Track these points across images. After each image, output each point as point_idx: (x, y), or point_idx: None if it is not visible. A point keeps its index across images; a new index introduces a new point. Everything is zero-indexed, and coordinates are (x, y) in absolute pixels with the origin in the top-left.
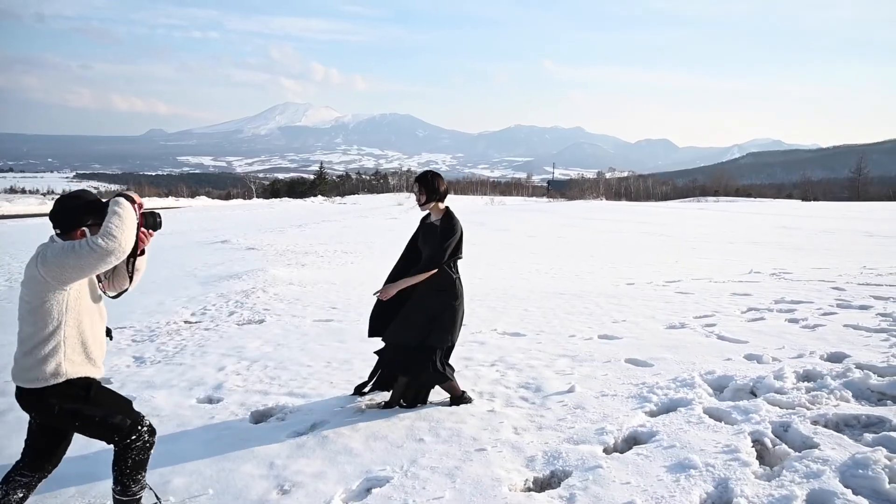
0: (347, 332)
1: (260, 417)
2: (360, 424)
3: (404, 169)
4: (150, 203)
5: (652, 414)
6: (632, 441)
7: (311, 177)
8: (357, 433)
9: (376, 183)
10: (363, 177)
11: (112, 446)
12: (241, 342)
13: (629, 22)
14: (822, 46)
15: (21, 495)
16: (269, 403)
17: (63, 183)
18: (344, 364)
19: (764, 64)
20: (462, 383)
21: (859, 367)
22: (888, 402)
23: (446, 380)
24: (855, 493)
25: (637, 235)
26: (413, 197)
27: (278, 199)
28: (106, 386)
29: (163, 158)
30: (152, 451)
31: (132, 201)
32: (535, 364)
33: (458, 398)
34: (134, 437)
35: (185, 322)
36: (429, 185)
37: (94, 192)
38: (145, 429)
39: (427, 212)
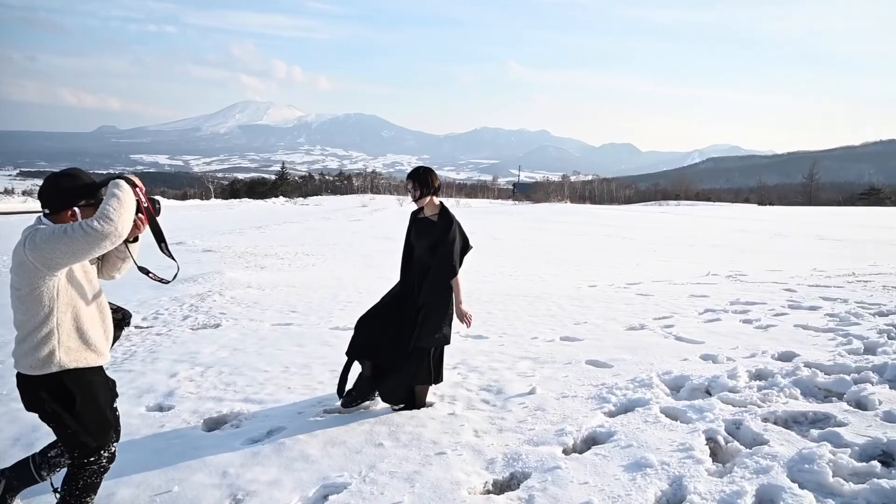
0: (307, 336)
1: (213, 425)
2: (318, 430)
3: (369, 170)
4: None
5: (611, 414)
6: (590, 441)
7: (273, 177)
8: (315, 439)
9: (340, 184)
10: (327, 178)
11: (69, 460)
12: (195, 347)
13: (593, 27)
14: (776, 56)
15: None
16: (224, 410)
17: (6, 181)
18: (303, 369)
19: (722, 72)
20: None
21: (808, 365)
22: (833, 398)
23: (432, 383)
24: (801, 486)
25: (600, 238)
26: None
27: (238, 200)
28: (97, 398)
29: (115, 156)
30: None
31: (133, 185)
32: (497, 366)
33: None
34: (92, 460)
35: (136, 327)
36: (423, 180)
37: None
38: (106, 455)
39: (418, 207)
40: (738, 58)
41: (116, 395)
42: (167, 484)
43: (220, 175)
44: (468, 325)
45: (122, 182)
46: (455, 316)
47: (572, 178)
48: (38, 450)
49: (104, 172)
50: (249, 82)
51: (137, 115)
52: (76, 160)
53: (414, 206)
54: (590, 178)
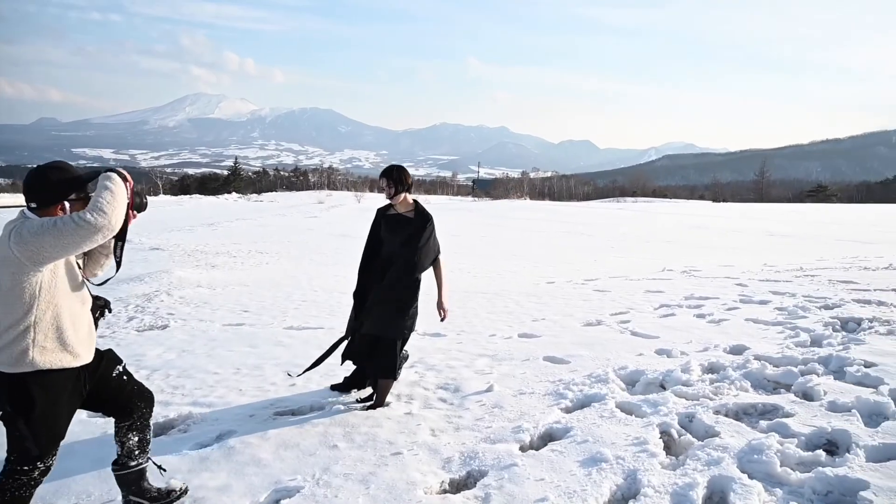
0: (259, 337)
1: (160, 430)
2: (270, 433)
3: (325, 165)
4: None
5: (567, 410)
6: (547, 438)
7: (225, 172)
8: (266, 442)
9: (296, 180)
10: (282, 173)
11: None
12: (140, 350)
13: (552, 25)
14: (729, 58)
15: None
16: (171, 415)
17: None
18: (255, 370)
19: (677, 71)
20: None
21: (757, 358)
22: (782, 390)
23: (395, 377)
24: (750, 477)
25: (559, 235)
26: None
27: (188, 196)
28: (58, 406)
29: (55, 150)
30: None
31: (124, 179)
32: (454, 364)
33: (381, 403)
34: (26, 468)
35: None
36: (397, 178)
37: None
38: (41, 468)
39: (388, 203)
40: (692, 58)
41: (84, 397)
42: (108, 494)
43: (169, 170)
44: (443, 318)
45: (114, 175)
46: (437, 308)
47: (532, 175)
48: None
49: None
50: (200, 74)
51: (80, 107)
52: (13, 154)
53: (379, 204)
54: (549, 174)
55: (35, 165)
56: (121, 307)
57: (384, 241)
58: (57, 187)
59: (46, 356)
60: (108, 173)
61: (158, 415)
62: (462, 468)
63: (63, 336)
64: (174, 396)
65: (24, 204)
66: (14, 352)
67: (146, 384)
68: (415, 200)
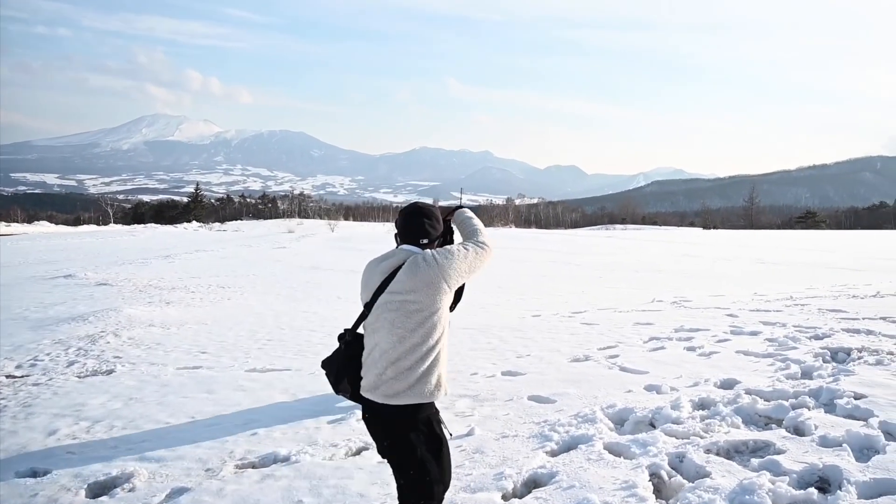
0: (218, 381)
1: (100, 490)
2: (227, 489)
3: (296, 192)
4: None
5: (553, 453)
6: (531, 484)
7: (185, 199)
8: (223, 500)
9: (263, 207)
10: (248, 200)
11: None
12: (81, 398)
13: (532, 48)
14: (716, 81)
15: None
16: (113, 472)
17: None
18: (212, 418)
19: (664, 95)
20: (347, 433)
21: (748, 392)
22: (773, 425)
23: None
24: None
25: (545, 265)
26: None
27: (142, 226)
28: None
29: None
30: None
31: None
32: None
33: None
34: None
35: (8, 377)
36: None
37: None
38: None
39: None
40: (678, 82)
41: None
42: None
43: (121, 197)
44: None
45: (467, 210)
46: None
47: (517, 202)
48: None
49: None
50: (159, 94)
51: (19, 127)
52: None
53: (356, 233)
54: (535, 201)
55: (412, 203)
56: (60, 350)
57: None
58: (439, 222)
59: (447, 384)
60: (463, 209)
61: (99, 472)
62: None
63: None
64: (118, 451)
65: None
66: (432, 381)
67: (86, 437)
68: None
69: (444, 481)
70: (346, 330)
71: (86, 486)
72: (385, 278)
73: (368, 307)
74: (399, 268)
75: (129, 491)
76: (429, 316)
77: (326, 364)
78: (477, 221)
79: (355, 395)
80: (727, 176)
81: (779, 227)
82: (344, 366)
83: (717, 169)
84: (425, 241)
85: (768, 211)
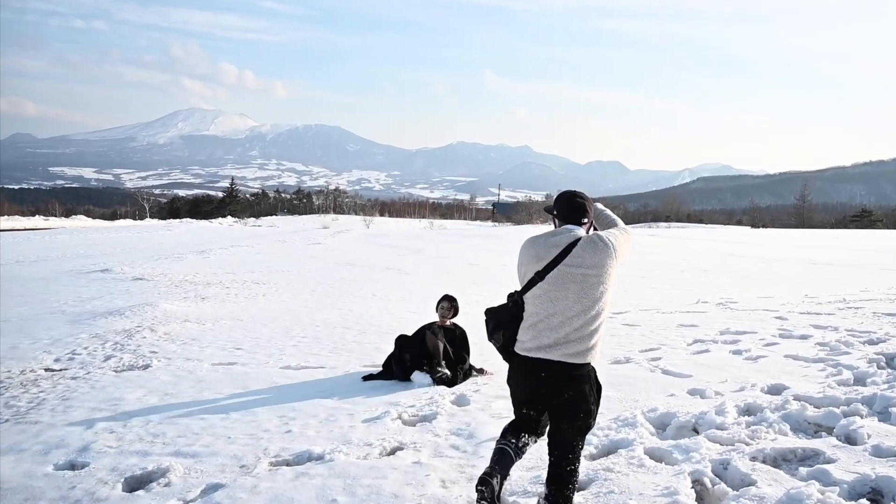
0: (253, 377)
1: (136, 484)
2: (261, 486)
3: (332, 187)
4: (9, 223)
5: (592, 457)
6: None
7: (220, 194)
8: (257, 497)
9: (298, 203)
10: (283, 195)
11: (571, 442)
12: (118, 393)
13: (570, 38)
14: (764, 75)
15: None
16: (150, 466)
17: None
18: (246, 415)
19: (709, 88)
20: (382, 432)
21: (797, 398)
22: (823, 433)
23: None
24: None
25: None
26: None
27: (178, 220)
28: None
29: (30, 169)
30: None
31: None
32: (469, 408)
33: None
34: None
35: (46, 370)
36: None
37: None
38: None
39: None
40: (724, 75)
41: None
42: None
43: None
44: None
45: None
46: None
47: None
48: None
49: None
50: (194, 87)
51: (58, 122)
52: None
53: (388, 227)
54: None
55: (570, 190)
56: (97, 344)
57: None
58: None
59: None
60: (596, 202)
61: (135, 466)
62: None
63: None
64: (154, 446)
65: (551, 218)
66: (599, 344)
67: (122, 431)
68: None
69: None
70: (514, 291)
71: (122, 480)
72: (560, 252)
73: (540, 276)
74: (572, 244)
75: (165, 486)
76: (605, 290)
77: (491, 313)
78: (610, 212)
79: (503, 348)
80: (777, 172)
81: (832, 226)
82: (507, 322)
83: (767, 165)
84: (585, 220)
85: (821, 209)
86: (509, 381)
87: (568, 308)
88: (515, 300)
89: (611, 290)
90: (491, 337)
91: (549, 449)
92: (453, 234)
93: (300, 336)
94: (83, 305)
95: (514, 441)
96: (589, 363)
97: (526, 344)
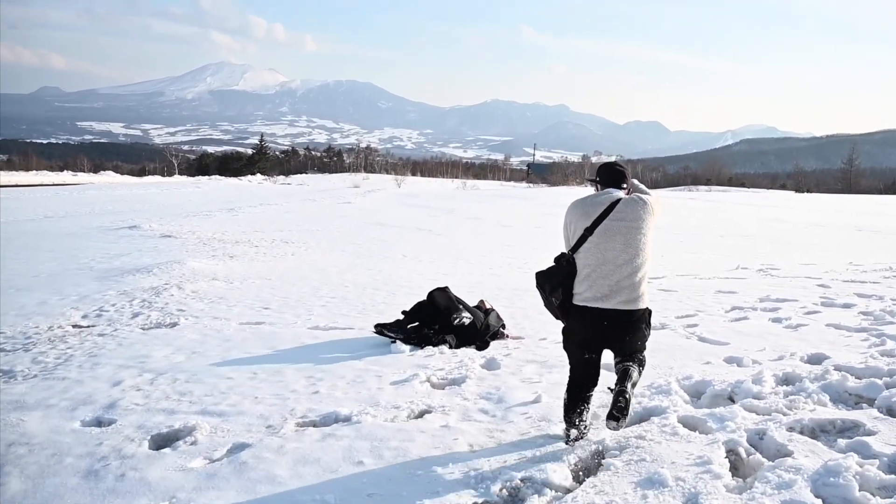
0: (280, 337)
1: (163, 442)
2: (288, 446)
3: (363, 145)
4: (38, 178)
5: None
6: (600, 455)
7: (249, 151)
8: (283, 457)
9: (329, 161)
10: (313, 153)
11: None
12: (145, 350)
13: None
14: (814, 29)
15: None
16: (176, 424)
17: None
18: (274, 375)
19: (755, 45)
20: (410, 395)
21: (838, 368)
22: (864, 405)
23: None
24: (825, 502)
25: None
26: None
27: (206, 177)
28: None
29: (58, 123)
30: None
31: None
32: (499, 372)
33: None
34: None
35: (74, 326)
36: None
37: None
38: None
39: None
40: (771, 31)
41: None
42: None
43: (186, 148)
44: None
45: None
46: None
47: (593, 159)
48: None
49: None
50: (223, 41)
51: (86, 75)
52: (11, 127)
53: (430, 188)
54: (613, 158)
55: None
56: (125, 301)
57: None
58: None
59: None
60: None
61: (162, 424)
62: (502, 489)
63: None
64: (181, 404)
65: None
66: (647, 288)
67: (149, 389)
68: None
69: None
70: (563, 253)
71: (149, 438)
72: (605, 209)
73: (590, 231)
74: (615, 202)
75: (192, 444)
76: (646, 241)
77: (545, 275)
78: (643, 185)
79: (561, 305)
80: (824, 135)
81: (880, 192)
82: (562, 281)
83: (814, 127)
84: (624, 185)
85: (869, 174)
86: (569, 332)
87: (616, 257)
88: (568, 259)
89: (650, 242)
90: (549, 297)
91: (617, 362)
92: (486, 195)
93: (329, 296)
94: (111, 262)
95: (580, 403)
96: (642, 308)
97: (583, 294)
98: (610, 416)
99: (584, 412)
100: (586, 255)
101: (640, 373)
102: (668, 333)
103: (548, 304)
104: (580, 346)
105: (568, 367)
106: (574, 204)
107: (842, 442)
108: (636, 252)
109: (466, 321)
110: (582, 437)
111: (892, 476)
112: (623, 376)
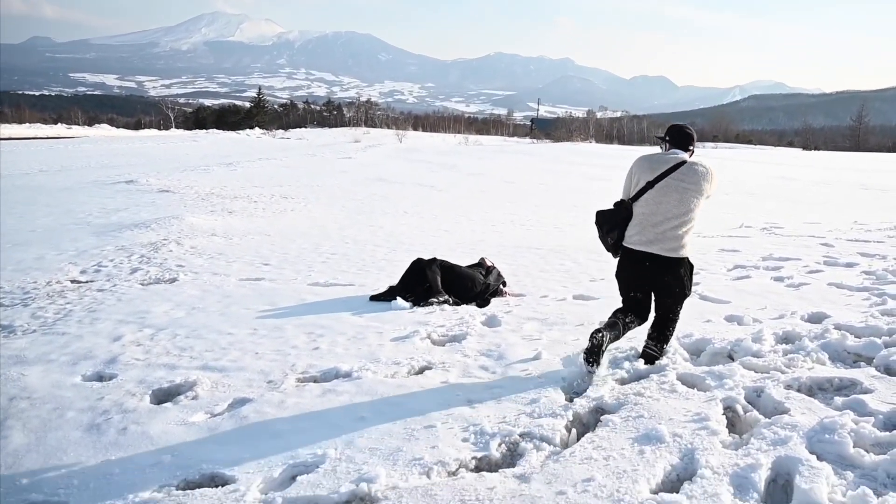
0: (280, 293)
1: (164, 397)
2: (288, 401)
3: (363, 99)
4: (32, 131)
5: (622, 381)
6: (598, 412)
7: (247, 104)
8: (284, 412)
9: (328, 115)
10: (312, 107)
11: (672, 307)
12: (144, 306)
13: None
14: None
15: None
16: (177, 379)
17: None
18: (274, 331)
19: (767, 0)
20: (410, 351)
21: (838, 327)
22: (862, 363)
23: None
24: (820, 458)
25: None
26: (371, 133)
27: (204, 131)
28: None
29: (50, 75)
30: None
31: None
32: (499, 329)
33: None
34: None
35: (73, 281)
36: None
37: None
38: None
39: None
40: None
41: None
42: (103, 466)
43: (182, 101)
44: None
45: None
46: None
47: (598, 115)
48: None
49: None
50: None
51: (78, 25)
52: (2, 78)
53: (429, 142)
54: (618, 114)
55: (679, 123)
56: (123, 257)
57: None
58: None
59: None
60: None
61: (163, 379)
62: (502, 444)
63: None
64: (181, 359)
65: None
66: (687, 244)
67: (150, 344)
68: None
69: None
70: (622, 199)
71: (150, 393)
72: (669, 168)
73: (651, 185)
74: (679, 164)
75: (193, 399)
76: (697, 204)
77: (605, 215)
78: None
79: (615, 244)
80: (834, 91)
81: (889, 150)
82: (618, 223)
83: (823, 83)
84: (691, 147)
85: (878, 131)
86: (619, 272)
87: (668, 211)
88: (626, 206)
89: (701, 206)
90: (606, 235)
91: (655, 310)
92: (489, 151)
93: (329, 253)
94: (108, 217)
95: (622, 317)
96: (683, 257)
97: (633, 238)
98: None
99: (613, 330)
100: (643, 205)
101: (671, 331)
102: None
103: (603, 241)
104: (625, 284)
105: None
106: (642, 158)
107: (838, 400)
108: (687, 210)
109: (449, 301)
110: (597, 346)
111: (887, 433)
112: (658, 329)
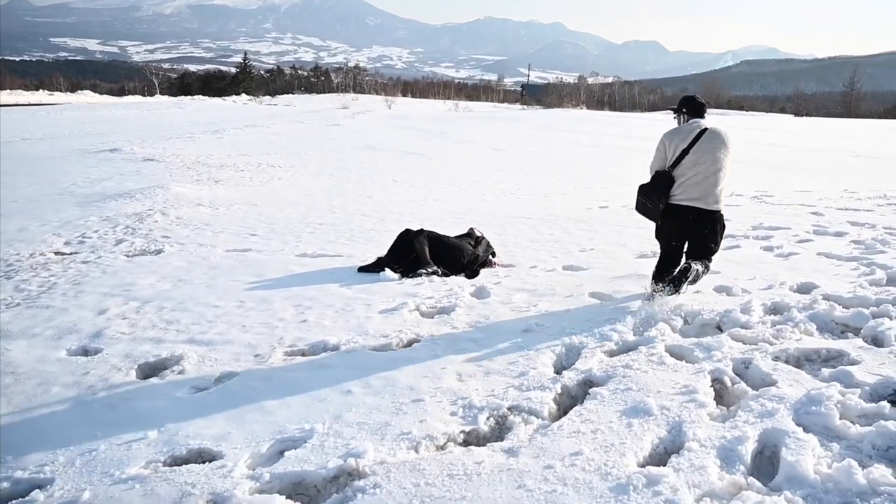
0: (267, 265)
1: (150, 371)
2: (276, 375)
3: (351, 64)
4: (13, 98)
5: (611, 354)
6: (587, 384)
7: (233, 70)
8: (271, 386)
9: (316, 80)
10: (299, 72)
11: (706, 253)
12: (130, 278)
13: None
14: None
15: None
16: (163, 353)
17: None
18: (261, 303)
19: None
20: (399, 323)
21: (826, 298)
22: (850, 334)
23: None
24: (806, 430)
25: (618, 151)
26: (360, 100)
27: (189, 98)
28: None
29: (30, 39)
30: None
31: None
32: (488, 301)
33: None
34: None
35: (56, 253)
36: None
37: None
38: None
39: None
40: None
41: None
42: (89, 442)
43: (166, 66)
44: None
45: None
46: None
47: (590, 80)
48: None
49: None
50: None
51: None
52: None
53: (420, 109)
54: (610, 80)
55: (692, 94)
56: (108, 228)
57: None
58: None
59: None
60: None
61: (149, 353)
62: (489, 418)
63: None
64: (167, 332)
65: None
66: (723, 199)
67: (135, 317)
68: None
69: (719, 247)
70: (662, 170)
71: (136, 367)
72: (697, 134)
73: (686, 151)
74: (704, 130)
75: (179, 373)
76: (727, 161)
77: (650, 186)
78: None
79: (656, 208)
80: (826, 57)
81: (880, 116)
82: (664, 190)
83: (816, 49)
84: (706, 114)
85: (870, 97)
86: (661, 227)
87: (706, 169)
88: (667, 174)
89: (730, 163)
90: (656, 203)
91: (689, 254)
92: (479, 117)
93: (317, 223)
94: (92, 187)
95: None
96: (719, 210)
97: (678, 196)
98: (671, 282)
99: (667, 280)
100: (685, 167)
101: (703, 270)
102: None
103: (644, 209)
104: (671, 235)
105: (658, 253)
106: (671, 132)
107: (826, 371)
108: (720, 167)
109: (438, 272)
110: (662, 295)
111: (873, 404)
112: (685, 271)
